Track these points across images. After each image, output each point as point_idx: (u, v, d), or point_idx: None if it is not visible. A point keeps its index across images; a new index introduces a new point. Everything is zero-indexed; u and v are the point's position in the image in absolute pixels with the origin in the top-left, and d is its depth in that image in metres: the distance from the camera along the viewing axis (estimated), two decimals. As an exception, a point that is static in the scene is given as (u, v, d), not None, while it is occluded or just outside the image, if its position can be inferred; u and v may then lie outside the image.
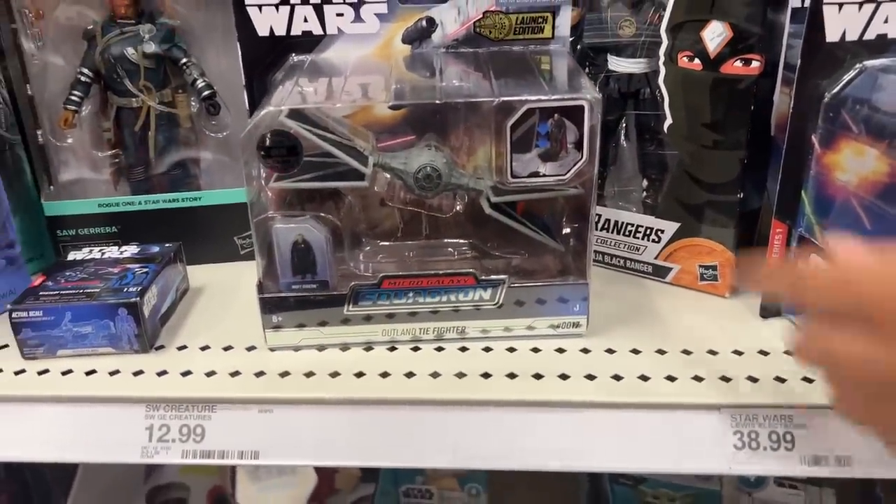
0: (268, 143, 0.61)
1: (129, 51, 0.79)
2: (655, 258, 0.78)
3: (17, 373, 0.66)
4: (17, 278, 0.77)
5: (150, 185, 0.85)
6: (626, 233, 0.79)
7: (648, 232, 0.78)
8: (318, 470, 1.20)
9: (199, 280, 0.82)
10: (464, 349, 0.68)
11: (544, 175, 0.63)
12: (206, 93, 0.82)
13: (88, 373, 0.66)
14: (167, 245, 0.77)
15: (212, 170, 0.87)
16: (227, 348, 0.69)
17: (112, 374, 0.66)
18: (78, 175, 0.85)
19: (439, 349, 0.68)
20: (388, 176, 0.68)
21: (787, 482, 0.94)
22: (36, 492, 1.12)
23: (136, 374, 0.66)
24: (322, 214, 0.67)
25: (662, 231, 0.77)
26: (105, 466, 1.18)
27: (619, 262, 0.81)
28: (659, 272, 0.79)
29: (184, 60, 0.81)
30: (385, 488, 1.10)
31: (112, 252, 0.76)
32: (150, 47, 0.79)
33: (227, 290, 0.81)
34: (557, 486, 1.13)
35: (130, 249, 0.76)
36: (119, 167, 0.85)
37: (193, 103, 0.84)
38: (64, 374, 0.66)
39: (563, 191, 0.65)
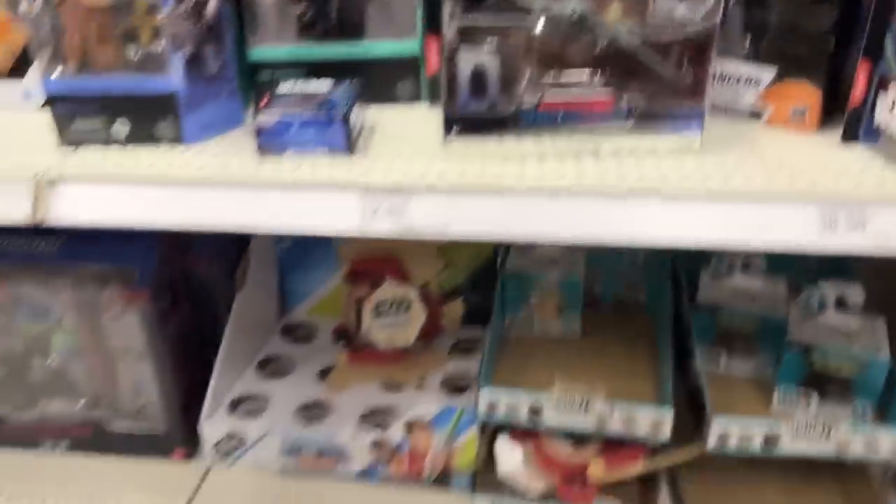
0: (464, -16, 0.79)
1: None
2: (754, 102, 0.94)
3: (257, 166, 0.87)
4: (233, 105, 0.97)
5: (331, 36, 1.03)
6: (729, 81, 0.95)
7: (748, 79, 0.94)
8: (427, 309, 1.40)
9: (369, 117, 1.01)
10: (599, 160, 0.86)
11: (680, 14, 0.80)
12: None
13: (313, 166, 0.86)
14: (351, 82, 0.96)
15: (376, 25, 1.05)
16: (412, 156, 0.88)
17: (331, 167, 0.86)
18: (275, 26, 1.04)
19: (579, 159, 0.86)
20: (543, 19, 0.85)
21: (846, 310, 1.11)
22: (207, 308, 1.36)
23: (350, 169, 0.85)
24: (496, 47, 0.85)
25: (761, 78, 0.93)
26: (252, 303, 1.41)
27: (721, 106, 0.97)
28: (756, 114, 0.95)
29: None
30: (496, 322, 1.29)
31: (313, 85, 0.95)
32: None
33: (396, 123, 0.99)
34: (642, 315, 1.34)
35: (327, 83, 0.95)
36: (306, 21, 1.03)
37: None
38: (294, 167, 0.86)
39: (695, 28, 0.81)
